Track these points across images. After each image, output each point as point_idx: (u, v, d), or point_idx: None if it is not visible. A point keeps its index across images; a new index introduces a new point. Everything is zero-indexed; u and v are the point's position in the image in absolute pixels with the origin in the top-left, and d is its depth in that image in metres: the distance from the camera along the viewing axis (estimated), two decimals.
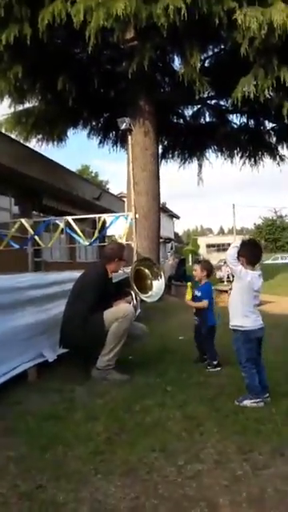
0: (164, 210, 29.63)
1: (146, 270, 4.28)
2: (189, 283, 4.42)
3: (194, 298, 4.27)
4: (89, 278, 3.96)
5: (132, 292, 4.10)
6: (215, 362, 4.05)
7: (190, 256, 15.11)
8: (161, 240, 13.28)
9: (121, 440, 2.42)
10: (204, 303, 4.20)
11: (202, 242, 53.08)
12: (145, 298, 4.14)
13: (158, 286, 4.26)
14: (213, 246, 51.88)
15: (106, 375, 3.68)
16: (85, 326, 3.68)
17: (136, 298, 4.14)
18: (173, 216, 40.92)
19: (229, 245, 3.28)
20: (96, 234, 8.42)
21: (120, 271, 4.17)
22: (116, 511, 1.73)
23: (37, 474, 2.03)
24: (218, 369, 3.99)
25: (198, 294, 4.28)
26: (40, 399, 3.19)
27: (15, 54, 9.34)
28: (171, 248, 37.19)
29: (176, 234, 47.51)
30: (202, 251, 47.53)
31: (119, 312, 3.73)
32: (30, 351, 3.89)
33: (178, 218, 43.24)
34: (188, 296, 4.25)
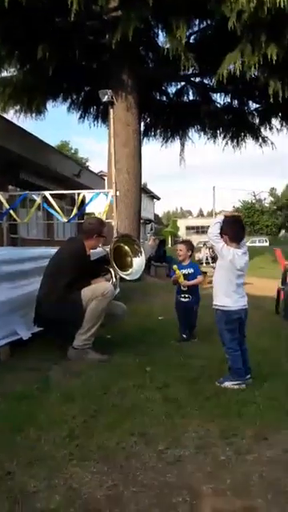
0: (145, 190, 29.34)
1: (126, 247, 4.08)
2: (175, 266, 4.38)
3: (186, 277, 4.26)
4: (66, 254, 3.76)
5: (111, 270, 3.92)
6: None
7: (170, 237, 15.04)
8: (140, 221, 13.07)
9: (98, 423, 2.28)
10: (200, 279, 4.31)
11: (182, 223, 53.24)
12: (125, 276, 3.96)
13: (138, 263, 4.07)
14: (192, 228, 52.02)
15: (83, 355, 3.53)
16: (61, 303, 3.51)
17: (115, 276, 3.96)
18: (153, 197, 40.67)
19: (208, 227, 3.14)
20: (75, 211, 8.17)
21: (99, 248, 3.99)
22: (92, 500, 1.60)
23: (6, 459, 1.88)
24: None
25: (190, 271, 4.30)
26: (12, 379, 3.04)
27: None
28: (151, 229, 37.10)
29: (156, 216, 47.37)
30: (182, 233, 47.64)
31: (98, 290, 3.57)
32: (3, 329, 3.71)
33: (158, 199, 43.03)
34: (181, 278, 4.21)
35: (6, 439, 2.08)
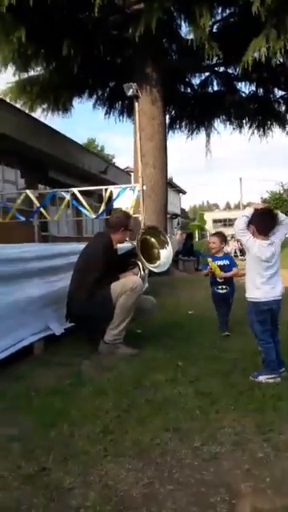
0: (171, 184, 29.14)
1: (153, 239, 4.02)
2: (209, 259, 4.31)
3: (222, 268, 4.19)
4: (93, 250, 3.75)
5: (139, 263, 3.87)
6: None
7: (197, 231, 14.91)
8: (167, 216, 12.99)
9: (131, 418, 2.26)
10: (236, 270, 4.22)
11: (209, 217, 52.68)
12: (152, 269, 3.91)
13: (165, 255, 4.01)
14: (219, 221, 51.38)
15: (114, 349, 3.52)
16: (91, 299, 3.51)
17: (143, 269, 3.91)
18: (179, 191, 40.38)
19: (236, 220, 3.07)
20: (103, 207, 8.18)
21: (126, 243, 3.95)
22: (128, 498, 1.57)
23: (41, 454, 1.88)
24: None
25: (225, 262, 4.24)
26: (46, 374, 3.05)
27: (18, 15, 8.91)
28: (178, 223, 36.89)
29: (182, 210, 47.05)
30: (209, 226, 47.14)
31: (127, 284, 3.54)
32: (36, 324, 3.75)
33: (184, 193, 42.69)
34: (217, 270, 4.14)
35: (41, 435, 2.08)
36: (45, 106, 12.90)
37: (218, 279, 4.20)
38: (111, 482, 1.67)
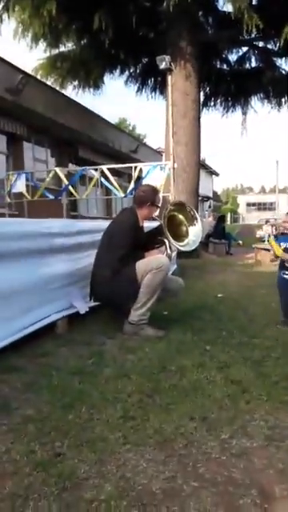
0: (203, 166, 28.51)
1: (181, 216, 3.78)
2: (270, 237, 3.92)
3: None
4: (118, 226, 3.57)
5: (166, 241, 3.66)
6: None
7: (230, 215, 14.55)
8: (198, 198, 12.65)
9: (154, 404, 2.10)
10: None
11: (242, 200, 51.44)
12: (180, 247, 3.69)
13: (194, 232, 3.75)
14: (253, 204, 50.10)
15: (139, 330, 3.38)
16: (115, 277, 3.36)
17: (170, 248, 3.70)
18: (212, 173, 39.54)
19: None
20: (131, 185, 7.98)
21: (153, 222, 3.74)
22: (147, 493, 1.42)
23: (56, 438, 1.75)
24: None
25: None
26: (67, 352, 2.95)
27: None
28: (209, 206, 36.28)
29: (214, 193, 46.17)
30: (242, 210, 46.17)
31: (152, 263, 3.36)
32: (60, 301, 3.65)
33: (217, 175, 41.78)
34: (277, 250, 3.67)
35: (58, 416, 1.96)
36: (75, 82, 12.72)
37: (286, 263, 3.72)
38: (129, 473, 1.52)
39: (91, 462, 1.59)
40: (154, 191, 3.71)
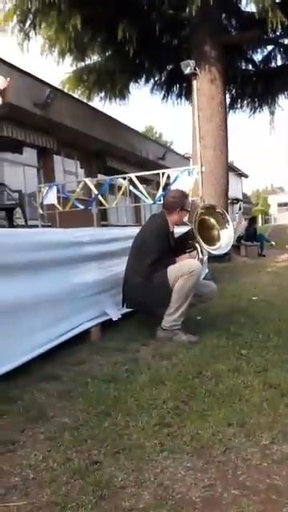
0: (232, 168, 28.23)
1: (212, 219, 3.73)
2: None
3: None
4: (148, 232, 3.57)
5: (197, 245, 3.62)
6: None
7: (261, 216, 14.31)
8: (228, 201, 12.51)
9: (190, 410, 2.06)
10: None
11: (273, 200, 50.47)
12: (212, 251, 3.64)
13: (226, 235, 3.70)
14: (285, 204, 49.05)
15: (173, 336, 3.34)
16: (147, 283, 3.35)
17: (202, 252, 3.66)
18: (241, 175, 39.08)
19: None
20: (160, 192, 7.98)
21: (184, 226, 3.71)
22: (186, 502, 1.39)
23: (93, 446, 1.75)
24: None
25: None
26: (102, 359, 2.94)
27: (73, 2, 8.90)
28: (239, 209, 35.81)
29: (244, 195, 45.56)
30: (273, 210, 45.30)
31: (184, 268, 3.33)
32: (94, 309, 3.67)
33: (246, 176, 41.25)
34: None
35: (94, 424, 1.95)
36: (102, 94, 12.92)
37: None
38: (167, 481, 1.49)
39: (128, 470, 1.57)
40: (183, 196, 3.69)
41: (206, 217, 3.71)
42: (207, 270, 6.38)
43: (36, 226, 9.66)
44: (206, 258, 5.37)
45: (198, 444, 1.74)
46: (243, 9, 11.50)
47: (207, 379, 2.47)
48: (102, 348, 3.23)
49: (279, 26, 8.56)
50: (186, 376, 2.51)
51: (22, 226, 8.52)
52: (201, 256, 3.65)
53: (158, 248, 3.40)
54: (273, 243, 13.96)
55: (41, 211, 9.49)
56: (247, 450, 1.69)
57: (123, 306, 3.71)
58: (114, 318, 3.76)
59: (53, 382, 2.52)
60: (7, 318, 2.66)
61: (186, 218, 3.68)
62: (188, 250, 3.68)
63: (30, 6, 9.60)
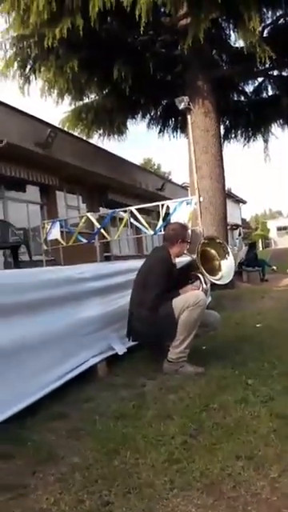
0: (229, 195, 28.58)
1: (213, 251, 3.82)
2: None
3: None
4: (151, 265, 3.64)
5: (200, 276, 3.69)
6: None
7: (261, 240, 14.38)
8: (227, 227, 12.65)
9: (199, 444, 2.08)
10: None
11: (272, 225, 50.78)
12: (215, 281, 3.71)
13: (227, 265, 3.79)
14: (284, 228, 49.34)
15: (179, 368, 3.36)
16: (152, 316, 3.39)
17: (205, 282, 3.72)
18: (239, 201, 39.50)
19: None
20: (160, 222, 8.13)
21: (184, 257, 3.80)
22: None
23: (103, 486, 1.76)
24: None
25: None
26: (109, 396, 2.96)
27: (70, 47, 9.31)
28: (239, 234, 36.02)
29: (243, 220, 45.89)
30: (273, 235, 45.47)
31: (190, 299, 3.38)
32: (99, 344, 3.70)
33: (244, 202, 41.67)
34: None
35: (104, 463, 1.96)
36: (101, 131, 13.27)
37: None
38: None
39: (139, 511, 1.58)
40: (182, 228, 3.79)
41: (208, 248, 3.80)
42: (210, 298, 6.41)
43: (40, 261, 9.80)
44: (209, 287, 5.44)
45: (208, 480, 1.75)
46: (232, 44, 11.98)
47: (214, 412, 2.48)
48: (109, 384, 3.24)
49: (267, 60, 8.89)
50: (193, 409, 2.53)
51: (27, 262, 8.65)
52: (205, 286, 3.71)
53: (162, 280, 3.46)
54: (274, 268, 13.99)
55: (45, 247, 9.64)
56: (256, 484, 1.70)
57: (129, 340, 3.74)
58: (120, 353, 3.78)
59: (61, 420, 2.53)
60: (11, 361, 2.65)
61: (186, 250, 3.77)
62: (191, 281, 3.75)
63: (29, 53, 10.03)
